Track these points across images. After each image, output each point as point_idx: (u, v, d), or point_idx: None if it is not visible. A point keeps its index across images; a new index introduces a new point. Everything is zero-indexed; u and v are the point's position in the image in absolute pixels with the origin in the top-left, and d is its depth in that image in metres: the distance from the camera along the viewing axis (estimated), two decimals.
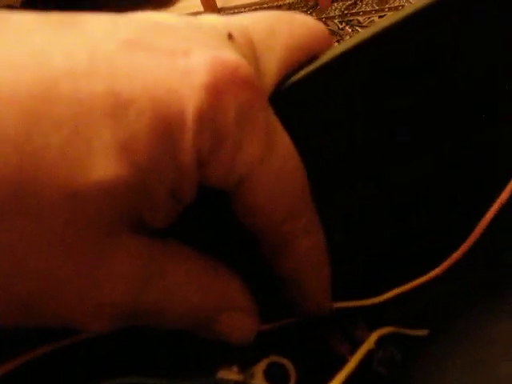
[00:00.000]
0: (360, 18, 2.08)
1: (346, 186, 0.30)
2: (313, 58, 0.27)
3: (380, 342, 0.30)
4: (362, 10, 2.13)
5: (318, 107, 0.28)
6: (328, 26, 2.01)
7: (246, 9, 2.39)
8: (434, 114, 0.30)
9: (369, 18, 2.06)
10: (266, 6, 2.32)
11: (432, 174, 0.32)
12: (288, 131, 0.24)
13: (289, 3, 2.31)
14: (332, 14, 2.14)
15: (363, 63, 0.27)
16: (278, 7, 2.30)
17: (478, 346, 0.26)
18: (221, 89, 0.19)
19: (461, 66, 0.29)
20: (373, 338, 0.28)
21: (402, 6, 2.04)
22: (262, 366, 0.25)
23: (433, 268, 0.33)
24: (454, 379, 0.25)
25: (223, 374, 0.25)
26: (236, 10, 2.39)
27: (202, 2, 2.31)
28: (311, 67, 0.27)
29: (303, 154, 0.24)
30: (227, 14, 2.34)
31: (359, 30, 1.99)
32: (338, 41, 1.88)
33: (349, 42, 0.27)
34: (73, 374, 0.25)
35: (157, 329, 0.23)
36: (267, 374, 0.25)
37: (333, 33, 1.98)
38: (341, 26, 2.05)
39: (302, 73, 0.27)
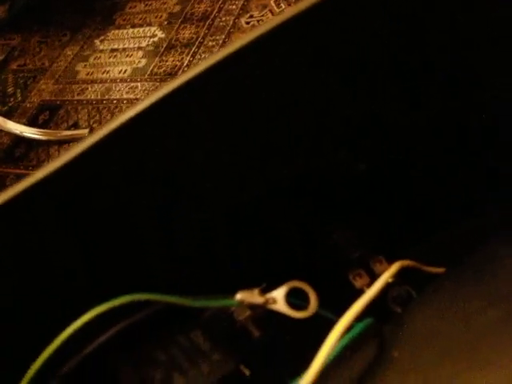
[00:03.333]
0: None
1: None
2: None
3: (397, 279, 0.30)
4: None
5: None
6: None
7: None
8: None
9: None
10: None
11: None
12: None
13: None
14: None
15: None
16: None
17: (499, 281, 0.26)
18: None
19: None
20: (391, 270, 0.27)
21: None
22: (283, 290, 0.25)
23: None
24: (474, 316, 0.25)
25: (244, 296, 0.24)
26: None
27: None
28: None
29: None
30: None
31: None
32: None
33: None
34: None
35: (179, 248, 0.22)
36: (288, 298, 0.25)
37: None
38: None
39: None
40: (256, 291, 0.25)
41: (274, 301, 0.25)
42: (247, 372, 0.25)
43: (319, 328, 0.25)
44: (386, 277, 0.27)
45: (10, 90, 1.11)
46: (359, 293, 0.27)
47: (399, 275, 0.30)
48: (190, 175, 0.26)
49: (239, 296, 0.25)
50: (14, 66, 1.18)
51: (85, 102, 1.00)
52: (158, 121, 0.24)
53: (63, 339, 0.22)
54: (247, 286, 0.26)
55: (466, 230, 0.33)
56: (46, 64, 1.14)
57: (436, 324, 0.24)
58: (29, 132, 0.96)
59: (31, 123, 1.01)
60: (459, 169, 0.32)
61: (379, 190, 0.30)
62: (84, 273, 0.25)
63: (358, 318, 0.25)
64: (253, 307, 0.27)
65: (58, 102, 1.04)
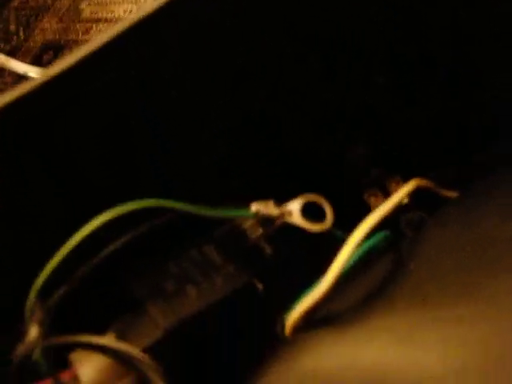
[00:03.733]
0: None
1: None
2: None
3: (412, 201, 0.29)
4: None
5: None
6: None
7: None
8: None
9: None
10: None
11: None
12: None
13: None
14: None
15: None
16: None
17: None
18: None
19: None
20: (407, 188, 0.26)
21: None
22: (298, 203, 0.24)
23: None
24: (491, 231, 0.24)
25: (258, 207, 0.24)
26: None
27: None
28: None
29: None
30: None
31: None
32: None
33: None
34: None
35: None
36: (304, 211, 0.24)
37: None
38: None
39: None
40: (271, 203, 0.24)
41: (290, 213, 0.24)
42: (260, 286, 0.25)
43: (332, 248, 0.24)
44: (401, 194, 0.27)
45: (12, 28, 1.08)
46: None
47: (414, 198, 0.29)
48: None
49: (254, 207, 0.24)
50: (15, 3, 1.15)
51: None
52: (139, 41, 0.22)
53: (71, 247, 0.22)
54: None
55: (484, 159, 0.32)
56: (49, 2, 1.11)
57: (453, 239, 0.24)
58: (33, 72, 0.94)
59: (35, 63, 0.99)
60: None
61: (399, 106, 0.29)
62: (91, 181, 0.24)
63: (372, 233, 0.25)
64: (265, 225, 0.27)
65: (62, 42, 1.02)
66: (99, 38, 0.22)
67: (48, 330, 0.21)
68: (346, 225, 0.26)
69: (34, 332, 0.20)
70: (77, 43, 1.01)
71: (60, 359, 0.22)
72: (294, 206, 0.24)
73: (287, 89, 0.27)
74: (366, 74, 0.26)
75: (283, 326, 0.23)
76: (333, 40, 0.26)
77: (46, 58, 1.01)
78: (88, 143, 0.24)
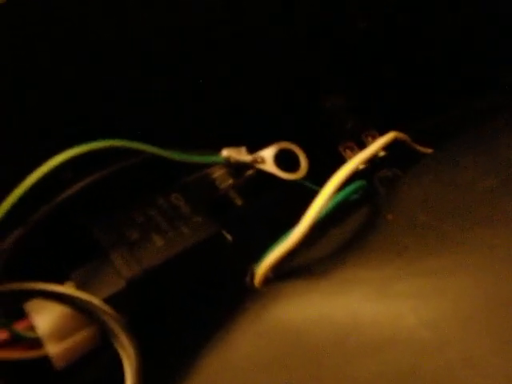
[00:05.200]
0: None
1: None
2: None
3: (387, 155, 0.28)
4: None
5: None
6: None
7: None
8: None
9: None
10: None
11: None
12: None
13: None
14: None
15: None
16: None
17: (498, 150, 0.24)
18: None
19: None
20: (384, 139, 0.26)
21: None
22: (271, 150, 0.23)
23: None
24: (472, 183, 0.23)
25: (230, 153, 0.23)
26: None
27: None
28: None
29: None
30: None
31: None
32: None
33: None
34: None
35: None
36: (277, 159, 0.23)
37: None
38: None
39: None
40: (243, 149, 0.23)
41: (263, 160, 0.23)
42: (229, 237, 0.24)
43: (306, 200, 0.23)
44: (378, 144, 0.26)
45: None
46: None
47: (390, 152, 0.28)
48: None
49: (225, 152, 0.23)
50: None
51: None
52: None
53: (27, 186, 0.20)
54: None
55: (462, 113, 0.31)
56: None
57: (432, 190, 0.23)
58: None
59: None
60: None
61: (378, 55, 0.28)
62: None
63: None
64: (236, 175, 0.26)
65: None
66: None
67: (1, 276, 0.19)
68: (320, 177, 0.25)
69: None
70: None
71: (16, 309, 0.21)
72: (268, 153, 0.23)
73: (264, 33, 0.26)
74: (347, 17, 0.25)
75: (253, 277, 0.23)
76: None
77: None
78: None
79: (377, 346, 0.18)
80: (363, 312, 0.19)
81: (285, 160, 0.25)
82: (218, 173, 0.26)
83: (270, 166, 0.23)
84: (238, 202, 0.26)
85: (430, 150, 0.29)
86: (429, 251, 0.20)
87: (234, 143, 0.24)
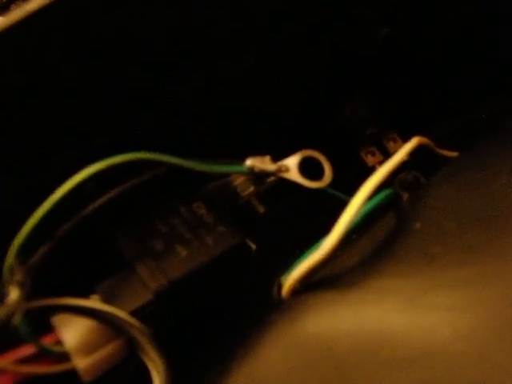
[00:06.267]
0: None
1: None
2: None
3: (412, 160, 0.28)
4: None
5: None
6: None
7: None
8: None
9: None
10: None
11: None
12: None
13: None
14: None
15: None
16: None
17: None
18: None
19: None
20: (409, 146, 0.25)
21: None
22: (295, 158, 0.23)
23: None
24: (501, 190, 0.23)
25: (254, 162, 0.22)
26: None
27: None
28: None
29: None
30: None
31: None
32: None
33: None
34: None
35: None
36: (301, 167, 0.23)
37: None
38: None
39: None
40: (267, 158, 0.23)
41: (287, 169, 0.23)
42: (253, 246, 0.24)
43: (329, 208, 0.23)
44: (404, 151, 0.25)
45: None
46: (371, 171, 0.26)
47: (413, 156, 0.28)
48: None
49: (249, 162, 0.23)
50: None
51: None
52: None
53: (53, 202, 0.20)
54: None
55: (485, 114, 0.31)
56: None
57: (460, 198, 0.23)
58: None
59: None
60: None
61: (400, 60, 0.28)
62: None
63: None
64: (257, 182, 0.26)
65: None
66: None
67: (29, 293, 0.19)
68: (343, 184, 0.25)
69: (14, 295, 0.18)
70: None
71: (42, 323, 0.21)
72: (292, 162, 0.23)
73: (283, 41, 0.25)
74: (369, 23, 0.25)
75: (280, 289, 0.22)
76: None
77: None
78: None
79: (410, 360, 0.17)
80: (395, 324, 0.18)
81: (308, 167, 0.24)
82: (239, 180, 0.26)
83: (294, 175, 0.23)
84: (261, 209, 0.26)
85: (453, 154, 0.29)
86: (458, 261, 0.20)
87: (256, 152, 0.24)
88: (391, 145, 0.28)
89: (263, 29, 0.24)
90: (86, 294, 0.22)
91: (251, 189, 0.26)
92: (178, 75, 0.23)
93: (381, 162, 0.28)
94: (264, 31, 0.24)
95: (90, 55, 0.21)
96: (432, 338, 0.18)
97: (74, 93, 0.22)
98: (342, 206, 0.22)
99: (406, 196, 0.29)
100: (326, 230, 0.22)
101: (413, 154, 0.27)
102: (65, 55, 0.20)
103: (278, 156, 0.25)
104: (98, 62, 0.21)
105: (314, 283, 0.22)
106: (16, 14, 0.19)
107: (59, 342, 0.21)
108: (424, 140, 0.27)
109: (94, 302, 0.21)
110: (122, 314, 0.21)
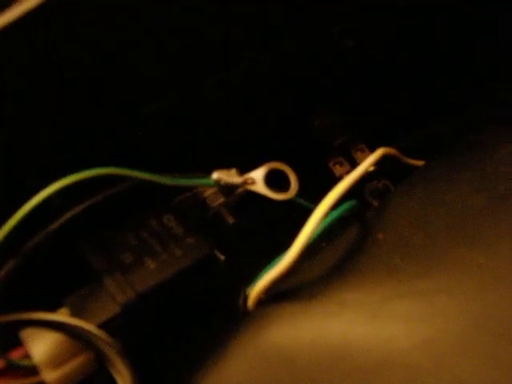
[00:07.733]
0: None
1: None
2: None
3: (378, 169, 0.28)
4: None
5: None
6: None
7: None
8: None
9: None
10: None
11: None
12: None
13: None
14: None
15: None
16: None
17: (486, 166, 0.24)
18: None
19: None
20: (374, 156, 0.26)
21: None
22: (262, 171, 0.23)
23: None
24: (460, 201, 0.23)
25: (220, 175, 0.23)
26: None
27: None
28: None
29: None
30: None
31: None
32: None
33: None
34: None
35: None
36: (267, 180, 0.23)
37: None
38: None
39: None
40: (233, 171, 0.23)
41: (253, 181, 0.23)
42: (222, 257, 0.24)
43: (297, 217, 0.24)
44: (368, 162, 0.26)
45: None
46: (339, 181, 0.26)
47: (380, 166, 0.28)
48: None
49: (216, 175, 0.23)
50: None
51: None
52: None
53: (20, 217, 0.20)
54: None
55: (452, 126, 0.31)
56: None
57: (421, 209, 0.23)
58: None
59: None
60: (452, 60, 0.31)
61: (365, 72, 0.28)
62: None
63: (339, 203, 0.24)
64: (226, 193, 0.26)
65: None
66: None
67: None
68: (311, 194, 0.25)
69: None
70: None
71: (11, 337, 0.21)
72: (258, 174, 0.23)
73: (249, 55, 0.26)
74: (334, 36, 0.25)
75: (246, 299, 0.23)
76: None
77: None
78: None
79: (370, 370, 0.18)
80: (355, 335, 0.19)
81: (275, 179, 0.25)
82: (209, 191, 0.26)
83: (260, 187, 0.23)
84: (230, 220, 0.26)
85: (421, 163, 0.29)
86: (418, 271, 0.21)
87: (224, 164, 0.24)
88: (359, 155, 0.28)
89: (230, 47, 0.24)
90: (54, 308, 0.22)
91: (221, 200, 0.26)
92: (146, 92, 0.24)
93: (348, 172, 0.28)
94: (231, 49, 0.24)
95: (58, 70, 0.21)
96: (390, 349, 0.18)
97: (43, 107, 0.22)
98: (309, 214, 0.23)
99: (376, 204, 0.30)
100: (294, 239, 0.22)
101: (380, 163, 0.28)
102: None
103: (248, 167, 0.25)
104: (66, 75, 0.21)
105: (278, 294, 0.22)
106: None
107: (27, 356, 0.21)
108: (390, 150, 0.27)
109: (61, 316, 0.21)
110: (89, 327, 0.21)
